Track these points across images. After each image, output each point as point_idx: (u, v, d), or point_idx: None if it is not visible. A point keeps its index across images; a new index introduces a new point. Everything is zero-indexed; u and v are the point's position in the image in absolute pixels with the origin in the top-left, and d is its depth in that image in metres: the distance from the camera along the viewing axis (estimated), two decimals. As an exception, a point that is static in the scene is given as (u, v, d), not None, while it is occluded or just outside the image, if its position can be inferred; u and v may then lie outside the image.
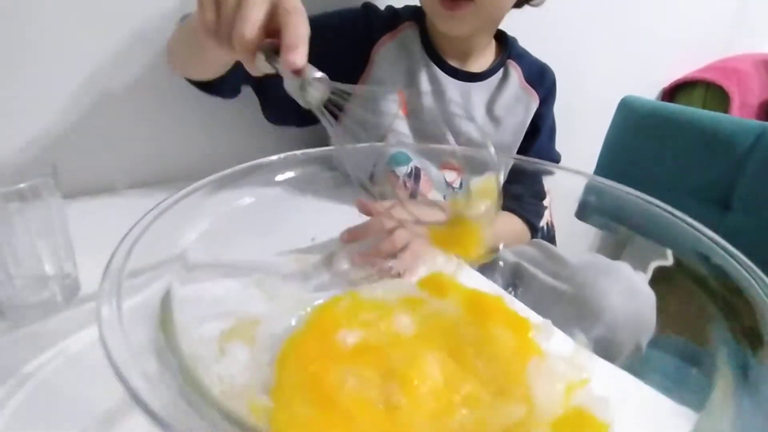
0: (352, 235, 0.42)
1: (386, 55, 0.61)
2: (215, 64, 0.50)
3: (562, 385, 0.28)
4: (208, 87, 0.56)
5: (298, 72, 0.31)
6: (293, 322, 0.35)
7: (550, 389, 0.28)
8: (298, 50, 0.32)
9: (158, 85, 0.61)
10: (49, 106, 0.57)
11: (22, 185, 0.35)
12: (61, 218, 0.39)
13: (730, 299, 0.22)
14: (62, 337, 0.36)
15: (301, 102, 0.32)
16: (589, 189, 0.36)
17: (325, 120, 0.31)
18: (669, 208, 0.30)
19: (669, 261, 0.31)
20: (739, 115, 1.15)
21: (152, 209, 0.26)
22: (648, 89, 1.26)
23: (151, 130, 0.64)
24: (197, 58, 0.50)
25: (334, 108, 0.32)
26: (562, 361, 0.31)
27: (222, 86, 0.55)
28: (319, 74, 0.31)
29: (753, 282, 0.20)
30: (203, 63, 0.51)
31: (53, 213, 0.38)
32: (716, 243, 0.25)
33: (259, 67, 0.34)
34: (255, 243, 0.34)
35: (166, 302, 0.23)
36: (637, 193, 0.33)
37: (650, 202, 0.31)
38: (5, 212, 0.36)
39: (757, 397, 0.17)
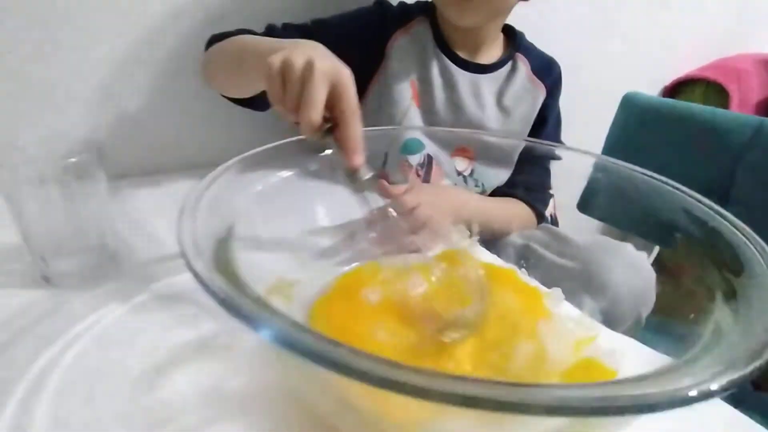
0: (375, 215, 0.45)
1: (400, 49, 0.64)
2: (256, 91, 0.52)
3: (571, 341, 0.31)
4: (242, 102, 0.59)
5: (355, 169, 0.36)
6: (321, 288, 0.38)
7: (560, 344, 0.31)
8: (356, 154, 0.37)
9: (192, 74, 0.65)
10: (94, 91, 0.61)
11: (73, 159, 0.38)
12: (104, 194, 0.42)
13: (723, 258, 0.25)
14: (103, 304, 0.40)
15: (350, 188, 0.37)
16: (598, 167, 0.39)
17: (362, 199, 0.37)
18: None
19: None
20: (739, 113, 1.18)
21: (201, 183, 0.29)
22: (650, 87, 1.29)
23: (184, 117, 0.68)
24: (240, 85, 0.54)
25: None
26: (570, 321, 0.33)
27: (256, 103, 0.58)
28: (370, 174, 0.37)
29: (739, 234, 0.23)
30: (245, 90, 0.54)
31: (99, 188, 0.41)
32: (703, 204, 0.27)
33: (318, 138, 0.38)
34: (288, 219, 0.37)
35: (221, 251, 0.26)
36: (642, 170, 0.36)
37: (652, 176, 0.34)
38: (58, 185, 0.39)
39: (745, 304, 0.20)
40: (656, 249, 0.48)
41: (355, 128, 0.37)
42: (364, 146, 0.37)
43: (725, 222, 0.26)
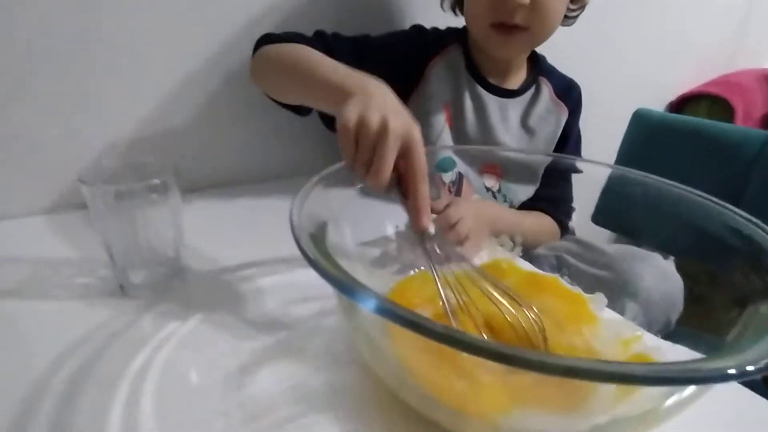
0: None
1: (437, 72, 0.68)
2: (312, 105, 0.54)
3: (618, 340, 0.34)
4: (286, 106, 0.61)
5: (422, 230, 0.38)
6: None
7: (608, 343, 0.34)
8: (424, 215, 0.38)
9: (249, 97, 0.70)
10: (171, 116, 0.67)
11: (156, 181, 0.42)
12: (179, 210, 0.46)
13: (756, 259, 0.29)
14: (179, 312, 0.43)
15: (416, 241, 0.39)
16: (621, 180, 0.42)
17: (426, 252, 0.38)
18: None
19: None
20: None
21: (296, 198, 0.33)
22: (656, 103, 1.33)
23: (247, 136, 0.74)
24: (294, 100, 0.57)
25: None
26: (614, 323, 0.37)
27: (300, 109, 0.61)
28: (433, 229, 0.38)
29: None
30: (297, 103, 0.57)
31: (174, 206, 0.45)
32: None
33: (384, 192, 0.39)
34: (356, 228, 0.41)
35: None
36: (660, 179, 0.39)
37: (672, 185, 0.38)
38: (138, 202, 0.43)
39: None
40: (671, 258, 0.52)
41: (423, 189, 0.38)
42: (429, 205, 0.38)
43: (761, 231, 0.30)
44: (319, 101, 0.49)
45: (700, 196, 0.38)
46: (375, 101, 0.40)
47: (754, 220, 0.31)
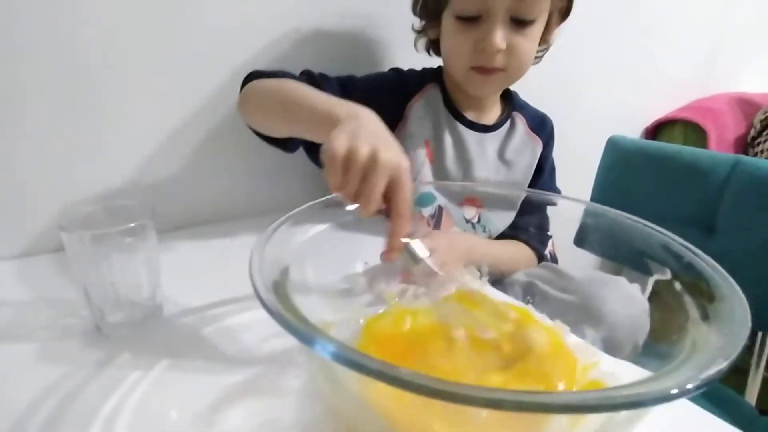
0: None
1: (417, 111, 0.71)
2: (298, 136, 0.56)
3: (579, 366, 0.36)
4: (273, 142, 0.64)
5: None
6: (351, 332, 0.42)
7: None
8: (393, 252, 0.41)
9: (230, 137, 0.73)
10: (146, 161, 0.69)
11: (132, 224, 0.44)
12: (155, 252, 0.47)
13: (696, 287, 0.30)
14: (153, 352, 0.44)
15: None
16: (588, 213, 0.44)
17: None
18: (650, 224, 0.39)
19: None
20: (717, 150, 1.26)
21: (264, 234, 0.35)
22: (633, 128, 1.38)
23: (226, 174, 0.76)
24: (282, 132, 0.58)
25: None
26: (577, 348, 0.38)
27: (288, 144, 0.63)
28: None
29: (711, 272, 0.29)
30: (286, 135, 0.58)
31: (150, 247, 0.46)
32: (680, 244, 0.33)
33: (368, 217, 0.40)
34: (323, 266, 0.43)
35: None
36: (629, 215, 0.42)
37: (635, 220, 0.40)
38: (115, 245, 0.44)
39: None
40: (652, 280, 0.53)
41: (404, 223, 0.40)
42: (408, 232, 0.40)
43: (696, 257, 0.32)
44: (307, 130, 0.50)
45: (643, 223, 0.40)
46: (364, 129, 0.40)
47: (688, 245, 0.33)
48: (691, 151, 0.95)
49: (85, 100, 0.62)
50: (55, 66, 0.59)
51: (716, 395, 0.79)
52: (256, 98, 0.59)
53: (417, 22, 0.74)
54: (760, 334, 0.91)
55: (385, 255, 0.41)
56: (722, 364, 0.21)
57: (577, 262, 0.63)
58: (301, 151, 0.69)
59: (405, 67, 0.76)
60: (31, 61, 0.57)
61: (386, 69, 0.77)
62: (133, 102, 0.65)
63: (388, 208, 0.40)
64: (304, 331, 0.25)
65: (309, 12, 0.75)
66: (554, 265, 0.64)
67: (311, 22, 0.75)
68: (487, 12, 0.63)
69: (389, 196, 0.40)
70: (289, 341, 0.44)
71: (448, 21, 0.67)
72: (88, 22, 0.59)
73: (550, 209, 0.64)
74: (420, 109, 0.72)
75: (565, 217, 0.55)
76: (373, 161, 0.38)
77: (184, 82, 0.69)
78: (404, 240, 0.41)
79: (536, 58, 0.74)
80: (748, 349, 0.93)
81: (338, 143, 0.39)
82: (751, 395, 0.92)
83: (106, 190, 0.67)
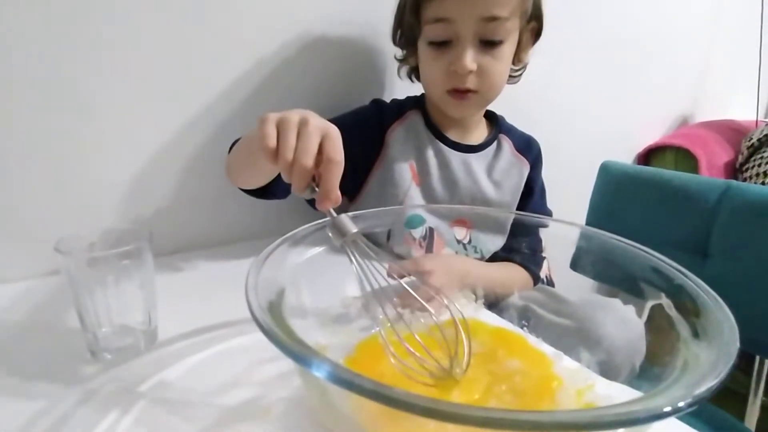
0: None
1: (397, 137, 0.73)
2: (266, 174, 0.58)
3: (573, 390, 0.35)
4: (263, 194, 0.65)
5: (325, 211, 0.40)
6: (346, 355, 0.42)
7: (564, 394, 0.35)
8: (328, 200, 0.40)
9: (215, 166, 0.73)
10: (144, 185, 0.70)
11: (129, 247, 0.44)
12: (152, 276, 0.47)
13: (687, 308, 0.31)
14: (147, 376, 0.43)
15: (333, 239, 0.40)
16: (581, 236, 0.45)
17: (349, 255, 0.40)
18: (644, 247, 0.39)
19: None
20: (708, 175, 1.28)
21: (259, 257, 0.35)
22: (624, 154, 1.40)
23: (221, 198, 0.76)
24: (250, 169, 0.59)
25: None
26: (571, 372, 0.38)
27: (275, 190, 0.65)
28: (354, 229, 0.40)
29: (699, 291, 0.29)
30: (256, 174, 0.59)
31: (146, 271, 0.46)
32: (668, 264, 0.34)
33: (305, 192, 0.41)
34: (318, 289, 0.43)
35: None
36: (621, 238, 0.42)
37: (629, 244, 0.40)
38: (112, 269, 0.44)
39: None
40: (648, 305, 0.54)
41: (335, 176, 0.40)
42: (339, 199, 0.40)
43: (685, 278, 0.32)
44: (258, 158, 0.50)
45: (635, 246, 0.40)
46: (295, 110, 0.43)
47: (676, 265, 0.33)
48: (681, 176, 0.96)
49: (83, 123, 0.63)
50: (52, 90, 0.60)
51: (716, 421, 0.79)
52: (231, 160, 0.63)
53: (399, 52, 0.77)
54: (758, 358, 0.91)
55: (319, 204, 0.40)
56: (712, 382, 0.22)
57: (574, 285, 0.63)
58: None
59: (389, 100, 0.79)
60: (28, 84, 0.58)
61: (384, 81, 0.81)
62: (131, 126, 0.66)
63: (320, 177, 0.40)
64: (298, 351, 0.26)
65: (300, 33, 0.76)
66: (549, 288, 0.64)
67: (303, 44, 0.77)
68: (457, 36, 0.66)
69: (322, 159, 0.40)
70: (285, 366, 0.45)
71: (422, 48, 0.70)
72: (83, 49, 0.61)
73: (544, 231, 0.65)
74: (401, 134, 0.73)
75: (560, 240, 0.56)
76: (304, 120, 0.40)
77: (182, 107, 0.70)
78: (332, 215, 0.40)
79: (513, 77, 0.77)
80: (747, 374, 0.92)
81: (269, 114, 0.41)
82: (751, 421, 0.91)
83: (102, 214, 0.67)
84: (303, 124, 0.41)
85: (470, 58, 0.65)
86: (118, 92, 0.64)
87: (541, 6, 0.71)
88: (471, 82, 0.67)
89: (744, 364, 0.96)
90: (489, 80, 0.68)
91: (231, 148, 0.65)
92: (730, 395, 1.03)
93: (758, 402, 0.91)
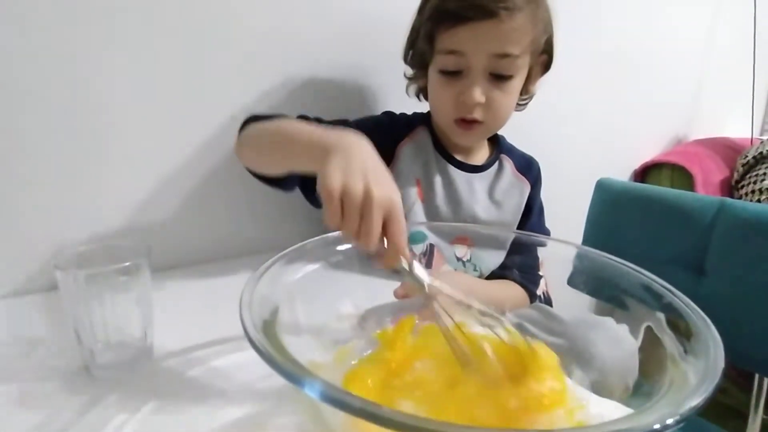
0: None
1: (407, 152, 0.74)
2: (290, 171, 0.57)
3: (564, 410, 0.36)
4: (271, 182, 0.65)
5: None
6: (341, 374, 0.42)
7: (555, 414, 0.35)
8: (397, 261, 0.41)
9: (225, 178, 0.75)
10: (142, 201, 0.70)
11: (127, 263, 0.44)
12: (149, 292, 0.48)
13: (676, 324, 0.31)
14: (142, 393, 0.44)
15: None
16: (578, 255, 0.46)
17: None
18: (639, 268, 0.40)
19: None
20: (704, 192, 1.29)
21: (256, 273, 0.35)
22: (621, 172, 1.42)
23: (220, 213, 0.77)
24: (275, 165, 0.59)
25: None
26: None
27: (285, 182, 0.65)
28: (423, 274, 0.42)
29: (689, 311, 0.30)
30: (280, 170, 0.59)
31: (143, 287, 0.47)
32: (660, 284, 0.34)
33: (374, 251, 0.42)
34: (314, 306, 0.43)
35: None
36: (614, 257, 0.43)
37: (624, 264, 0.41)
38: (109, 285, 0.45)
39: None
40: (644, 325, 0.54)
41: (402, 246, 0.41)
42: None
43: (674, 296, 0.33)
44: (300, 162, 0.51)
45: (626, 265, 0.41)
46: (355, 160, 0.42)
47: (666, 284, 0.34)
48: (677, 193, 0.97)
49: (82, 140, 0.64)
50: (54, 107, 0.61)
51: (715, 440, 0.78)
52: (253, 139, 0.61)
53: (408, 70, 0.78)
54: (757, 376, 0.91)
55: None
56: (700, 399, 0.22)
57: (572, 302, 0.63)
58: (295, 192, 0.70)
59: (397, 111, 0.80)
60: (31, 102, 0.60)
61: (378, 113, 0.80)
62: (130, 143, 0.67)
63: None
64: (290, 370, 0.26)
65: (303, 59, 0.79)
66: (544, 306, 0.64)
67: (307, 69, 0.79)
68: (468, 68, 0.66)
69: (385, 231, 0.41)
70: (280, 383, 0.45)
71: (433, 74, 0.71)
72: (88, 69, 0.62)
73: (541, 250, 0.65)
74: (410, 150, 0.74)
75: (558, 258, 0.56)
76: (368, 198, 0.39)
77: (181, 125, 0.71)
78: (406, 266, 0.41)
79: (520, 105, 0.78)
80: (746, 391, 0.92)
81: (332, 181, 0.40)
82: (751, 440, 0.90)
83: (101, 229, 0.68)
84: (367, 203, 0.40)
85: (479, 92, 0.66)
86: (118, 110, 0.65)
87: (553, 39, 0.72)
88: (478, 113, 0.69)
89: (743, 381, 0.96)
90: (496, 112, 0.69)
91: (246, 123, 0.63)
92: (730, 413, 1.02)
93: (758, 420, 0.91)
